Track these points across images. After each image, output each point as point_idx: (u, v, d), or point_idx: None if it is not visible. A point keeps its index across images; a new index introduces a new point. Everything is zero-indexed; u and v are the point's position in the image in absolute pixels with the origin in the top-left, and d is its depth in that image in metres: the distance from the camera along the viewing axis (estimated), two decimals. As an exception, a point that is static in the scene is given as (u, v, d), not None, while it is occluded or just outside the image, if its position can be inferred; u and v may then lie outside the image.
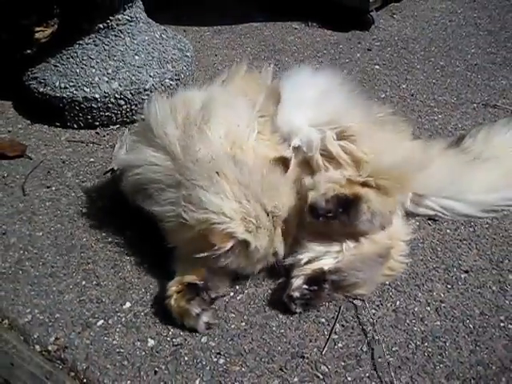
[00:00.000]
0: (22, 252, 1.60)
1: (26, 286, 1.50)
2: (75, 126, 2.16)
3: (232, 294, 1.45)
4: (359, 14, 2.89)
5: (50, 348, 1.34)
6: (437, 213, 1.65)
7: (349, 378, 1.24)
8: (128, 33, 2.21)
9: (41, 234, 1.67)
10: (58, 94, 2.12)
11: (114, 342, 1.34)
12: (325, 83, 1.61)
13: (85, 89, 2.11)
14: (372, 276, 1.41)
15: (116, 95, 2.11)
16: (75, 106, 2.12)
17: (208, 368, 1.28)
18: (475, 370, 1.24)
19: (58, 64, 2.19)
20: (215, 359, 1.29)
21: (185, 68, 2.30)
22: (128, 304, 1.44)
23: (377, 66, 2.56)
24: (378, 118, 1.61)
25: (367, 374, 1.25)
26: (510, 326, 1.34)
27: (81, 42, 2.18)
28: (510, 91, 2.30)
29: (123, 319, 1.40)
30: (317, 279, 1.37)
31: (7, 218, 1.72)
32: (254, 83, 1.66)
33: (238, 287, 1.45)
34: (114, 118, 2.16)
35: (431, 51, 2.67)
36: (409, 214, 1.63)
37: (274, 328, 1.36)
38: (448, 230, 1.63)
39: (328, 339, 1.32)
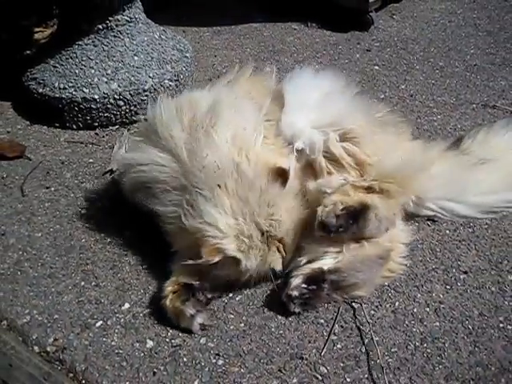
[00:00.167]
0: (20, 253, 1.60)
1: (25, 286, 1.50)
2: (74, 126, 2.16)
3: (231, 294, 1.44)
4: (358, 15, 2.89)
5: (48, 349, 1.33)
6: (436, 214, 1.65)
7: (348, 379, 1.24)
8: (127, 33, 2.21)
9: (40, 234, 1.67)
10: (57, 95, 2.12)
11: (113, 343, 1.34)
12: (327, 85, 1.61)
13: (84, 89, 2.11)
14: (371, 277, 1.40)
15: (115, 96, 2.11)
16: (74, 106, 2.12)
17: (207, 369, 1.27)
18: (474, 371, 1.24)
19: (57, 65, 2.19)
20: (214, 360, 1.29)
21: (184, 69, 2.30)
22: (127, 305, 1.43)
23: (376, 67, 2.56)
24: (380, 119, 1.61)
25: (366, 375, 1.24)
26: (509, 326, 1.34)
27: (80, 42, 2.18)
28: (509, 92, 2.30)
29: (122, 320, 1.40)
30: (316, 279, 1.37)
31: (6, 219, 1.72)
32: (260, 85, 1.65)
33: (236, 288, 1.45)
34: (113, 119, 2.16)
35: (430, 52, 2.67)
36: (408, 215, 1.62)
37: (272, 329, 1.36)
38: (447, 231, 1.62)
39: (327, 340, 1.32)
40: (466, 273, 1.49)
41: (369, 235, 1.42)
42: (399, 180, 1.47)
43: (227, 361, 1.29)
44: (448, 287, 1.45)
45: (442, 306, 1.40)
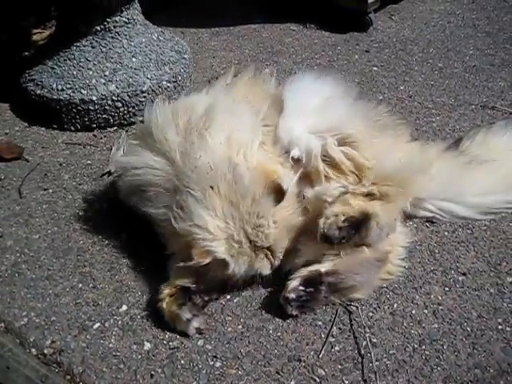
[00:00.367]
0: (18, 255, 1.60)
1: (23, 288, 1.49)
2: (72, 128, 2.16)
3: (229, 296, 1.44)
4: (357, 16, 2.88)
5: (45, 351, 1.33)
6: (435, 215, 1.65)
7: (346, 382, 1.24)
8: (125, 35, 2.21)
9: (37, 236, 1.66)
10: (55, 96, 2.12)
11: (110, 345, 1.34)
12: (327, 90, 1.61)
13: (82, 91, 2.11)
14: (369, 279, 1.40)
15: (113, 97, 2.11)
16: (72, 108, 2.12)
17: (204, 371, 1.27)
18: (473, 373, 1.24)
19: (55, 66, 2.19)
20: (212, 362, 1.29)
21: (182, 70, 2.30)
22: (124, 307, 1.43)
23: (375, 68, 2.55)
24: (378, 122, 1.61)
25: (364, 378, 1.24)
26: (507, 328, 1.33)
27: (78, 44, 2.18)
28: (508, 93, 2.29)
29: (119, 322, 1.39)
30: (313, 281, 1.37)
31: (4, 221, 1.72)
32: (259, 89, 1.65)
33: (234, 290, 1.44)
34: (111, 121, 2.15)
35: (429, 53, 2.67)
36: (407, 217, 1.62)
37: (270, 331, 1.35)
38: (446, 233, 1.62)
39: (325, 342, 1.32)
40: (464, 274, 1.48)
41: (370, 243, 1.42)
42: (398, 182, 1.47)
43: (225, 363, 1.28)
44: (447, 289, 1.44)
45: (441, 307, 1.39)
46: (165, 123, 1.48)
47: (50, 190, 1.85)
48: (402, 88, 2.38)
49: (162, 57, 2.28)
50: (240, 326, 1.37)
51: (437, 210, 1.63)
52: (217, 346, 1.32)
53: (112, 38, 2.19)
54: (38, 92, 2.16)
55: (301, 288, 1.36)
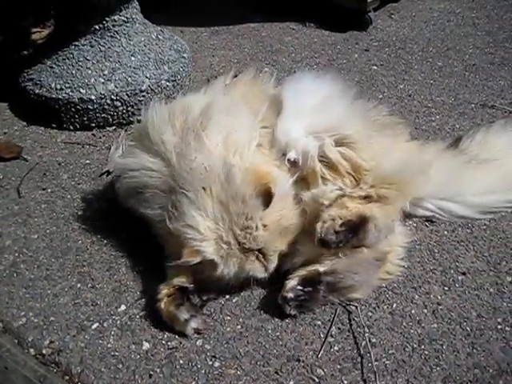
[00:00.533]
0: (16, 254, 1.60)
1: (21, 288, 1.49)
2: (71, 127, 2.16)
3: (227, 296, 1.44)
4: (357, 15, 2.88)
5: (44, 351, 1.33)
6: (434, 214, 1.64)
7: (345, 382, 1.23)
8: (124, 34, 2.21)
9: (36, 236, 1.66)
10: (54, 96, 2.12)
11: (109, 345, 1.33)
12: (326, 90, 1.59)
13: (81, 90, 2.11)
14: (368, 279, 1.40)
15: (112, 96, 2.11)
16: (71, 107, 2.11)
17: (203, 371, 1.27)
18: (472, 373, 1.24)
19: (53, 65, 2.18)
20: (210, 362, 1.29)
21: (181, 69, 2.30)
22: (123, 307, 1.43)
23: (374, 67, 2.55)
24: (377, 121, 1.60)
25: (363, 378, 1.24)
26: (507, 328, 1.33)
27: (77, 43, 2.17)
28: (507, 91, 2.29)
29: (118, 322, 1.39)
30: (311, 280, 1.37)
31: (2, 221, 1.72)
32: (257, 89, 1.63)
33: (233, 290, 1.44)
34: (110, 120, 2.15)
35: (429, 51, 2.67)
36: (406, 216, 1.62)
37: (269, 331, 1.35)
38: (445, 232, 1.62)
39: (324, 342, 1.31)
40: (464, 274, 1.48)
41: (368, 245, 1.41)
42: (397, 185, 1.46)
43: (223, 363, 1.28)
44: (446, 288, 1.44)
45: (440, 307, 1.39)
46: (161, 124, 1.46)
47: (49, 190, 1.85)
48: (401, 87, 2.37)
49: (161, 56, 2.27)
50: (239, 326, 1.37)
51: (436, 209, 1.63)
52: (216, 346, 1.32)
53: (111, 37, 2.19)
54: (37, 91, 2.15)
55: (299, 287, 1.36)
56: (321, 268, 1.38)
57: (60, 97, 2.11)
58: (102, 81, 2.12)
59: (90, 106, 2.11)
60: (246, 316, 1.39)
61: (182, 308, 1.34)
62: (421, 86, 2.37)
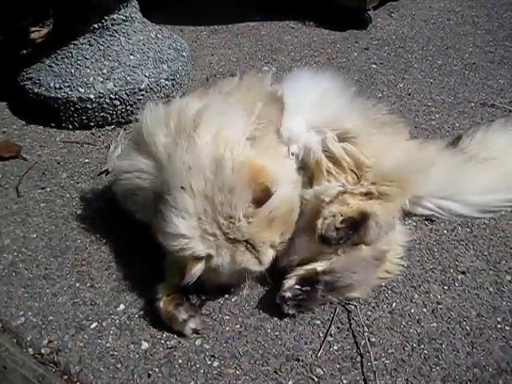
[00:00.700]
0: (15, 254, 1.59)
1: (20, 288, 1.49)
2: (70, 126, 2.15)
3: (226, 296, 1.43)
4: (357, 13, 2.88)
5: (43, 351, 1.33)
6: (434, 213, 1.64)
7: (344, 381, 1.23)
8: (123, 32, 2.20)
9: (35, 235, 1.66)
10: (53, 95, 2.11)
11: (108, 345, 1.33)
12: (325, 86, 1.59)
13: (80, 89, 2.10)
14: (367, 278, 1.39)
15: (111, 95, 2.10)
16: (70, 106, 2.11)
17: (202, 371, 1.26)
18: (472, 373, 1.23)
19: (52, 64, 2.18)
20: (209, 362, 1.28)
21: (181, 68, 2.29)
22: (122, 306, 1.42)
23: (374, 65, 2.55)
24: (377, 120, 1.60)
25: (363, 377, 1.23)
26: (506, 327, 1.33)
27: (76, 42, 2.17)
28: (507, 90, 2.28)
29: (117, 321, 1.39)
30: (309, 279, 1.36)
31: (1, 220, 1.71)
32: (254, 90, 1.61)
33: (232, 289, 1.44)
34: (109, 119, 2.15)
35: (429, 50, 2.66)
36: (406, 215, 1.62)
37: (268, 330, 1.35)
38: (445, 231, 1.61)
39: (323, 341, 1.31)
40: (463, 273, 1.48)
41: (369, 242, 1.41)
42: (398, 182, 1.46)
43: (222, 362, 1.28)
44: (446, 288, 1.44)
45: (440, 306, 1.39)
46: (155, 125, 1.44)
47: (48, 189, 1.84)
48: (401, 85, 2.37)
49: (160, 55, 2.27)
50: (238, 326, 1.36)
51: (435, 207, 1.63)
52: (215, 346, 1.32)
53: (110, 35, 2.18)
54: (36, 90, 2.15)
55: (297, 287, 1.35)
56: (319, 267, 1.38)
57: (59, 96, 2.11)
58: (101, 80, 2.12)
59: (88, 105, 2.10)
60: (245, 315, 1.39)
61: (180, 308, 1.34)
62: (420, 85, 2.36)
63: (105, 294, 1.46)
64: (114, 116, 2.14)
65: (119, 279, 1.50)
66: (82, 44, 2.17)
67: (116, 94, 2.10)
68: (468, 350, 1.28)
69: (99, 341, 1.34)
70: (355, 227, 1.37)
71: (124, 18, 2.19)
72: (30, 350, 1.33)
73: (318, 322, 1.36)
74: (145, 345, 1.33)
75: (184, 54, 2.37)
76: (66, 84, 2.12)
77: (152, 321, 1.38)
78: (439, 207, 1.63)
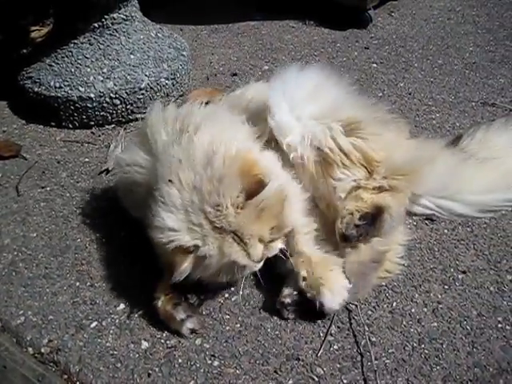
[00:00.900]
0: (15, 253, 1.59)
1: (20, 287, 1.49)
2: (70, 125, 2.15)
3: (227, 295, 1.43)
4: (357, 13, 2.87)
5: (42, 350, 1.32)
6: (434, 212, 1.64)
7: (344, 381, 1.23)
8: (123, 32, 2.20)
9: (35, 234, 1.66)
10: (53, 94, 2.11)
11: (108, 344, 1.33)
12: (317, 78, 1.57)
13: (80, 88, 2.10)
14: (365, 283, 1.39)
15: (111, 95, 2.10)
16: (70, 105, 2.11)
17: (202, 370, 1.26)
18: (472, 372, 1.23)
19: (52, 63, 2.18)
20: (209, 361, 1.28)
21: (181, 67, 2.29)
22: (122, 305, 1.42)
23: (374, 65, 2.54)
24: (377, 119, 1.59)
25: (363, 377, 1.23)
26: (507, 327, 1.32)
27: (76, 41, 2.17)
28: (508, 90, 2.28)
29: (117, 321, 1.38)
30: None
31: (1, 219, 1.71)
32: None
33: (232, 289, 1.44)
34: (110, 118, 2.14)
35: (429, 49, 2.66)
36: (406, 214, 1.61)
37: (268, 330, 1.34)
38: (445, 230, 1.61)
39: (323, 341, 1.31)
40: (464, 272, 1.47)
41: (384, 234, 1.42)
42: (408, 175, 1.48)
43: (222, 362, 1.28)
44: (446, 287, 1.43)
45: (440, 306, 1.38)
46: (160, 124, 1.45)
47: (48, 188, 1.84)
48: (401, 85, 2.36)
49: (161, 54, 2.27)
50: (238, 325, 1.36)
51: (435, 206, 1.62)
52: (215, 345, 1.32)
53: (110, 35, 2.18)
54: (36, 89, 2.15)
55: (295, 293, 1.35)
56: None
57: (59, 95, 2.11)
58: (101, 79, 2.12)
59: (89, 104, 2.10)
60: (245, 315, 1.38)
61: (179, 308, 1.34)
62: (421, 84, 2.36)
63: (105, 293, 1.46)
64: (114, 115, 2.14)
65: (119, 278, 1.50)
66: (82, 43, 2.17)
67: (116, 93, 2.10)
68: (469, 350, 1.28)
69: (99, 340, 1.34)
70: (372, 222, 1.39)
71: (124, 17, 2.19)
72: (30, 349, 1.33)
73: (319, 321, 1.36)
74: (145, 344, 1.33)
75: (184, 53, 2.37)
76: (66, 83, 2.11)
77: (152, 320, 1.37)
78: (439, 207, 1.63)
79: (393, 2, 3.15)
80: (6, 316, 1.41)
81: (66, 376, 1.27)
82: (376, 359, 1.26)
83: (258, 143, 1.45)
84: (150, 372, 1.26)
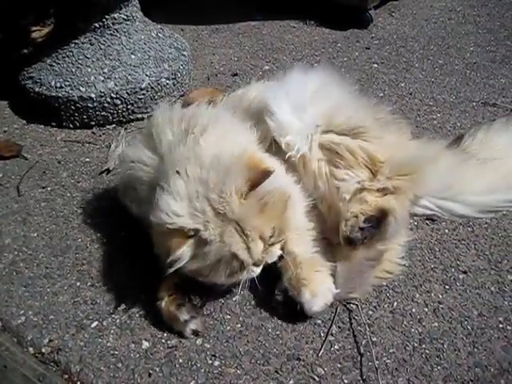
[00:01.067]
0: (16, 253, 1.59)
1: (20, 287, 1.49)
2: (71, 125, 2.15)
3: (227, 295, 1.43)
4: (358, 13, 2.87)
5: (43, 350, 1.32)
6: (435, 212, 1.63)
7: (345, 381, 1.23)
8: (124, 32, 2.20)
9: (35, 234, 1.66)
10: (54, 94, 2.11)
11: (108, 344, 1.33)
12: (320, 80, 1.57)
13: (80, 88, 2.10)
14: (364, 281, 1.39)
15: (112, 95, 2.10)
16: (71, 105, 2.11)
17: (203, 370, 1.26)
18: (473, 372, 1.23)
19: (53, 63, 2.18)
20: (210, 361, 1.28)
21: (181, 67, 2.29)
22: (122, 305, 1.42)
23: (375, 65, 2.54)
24: (380, 120, 1.60)
25: (364, 377, 1.23)
26: (508, 327, 1.32)
27: (76, 41, 2.17)
28: (509, 90, 2.28)
29: (117, 321, 1.38)
30: None
31: (2, 219, 1.71)
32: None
33: (233, 289, 1.43)
34: (110, 118, 2.14)
35: (430, 49, 2.66)
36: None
37: (269, 330, 1.34)
38: (446, 230, 1.61)
39: (324, 341, 1.31)
40: (465, 272, 1.47)
41: (388, 238, 1.42)
42: (411, 175, 1.47)
43: (223, 362, 1.28)
44: (447, 287, 1.43)
45: (441, 306, 1.38)
46: (167, 124, 1.45)
47: (49, 188, 1.84)
48: (402, 85, 2.36)
49: (161, 54, 2.27)
50: (239, 325, 1.36)
51: (435, 207, 1.62)
52: (215, 345, 1.31)
53: (111, 35, 2.18)
54: (37, 89, 2.15)
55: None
56: None
57: (60, 95, 2.11)
58: (102, 79, 2.12)
59: (89, 104, 2.10)
60: (246, 315, 1.38)
61: (182, 309, 1.34)
62: (422, 84, 2.36)
63: (105, 293, 1.46)
64: (115, 115, 2.14)
65: (120, 278, 1.50)
66: (82, 43, 2.17)
67: (117, 93, 2.10)
68: (469, 350, 1.28)
69: (100, 340, 1.34)
70: (377, 225, 1.39)
71: (125, 17, 2.19)
72: (31, 349, 1.33)
73: (319, 321, 1.36)
74: (145, 344, 1.33)
75: (185, 53, 2.37)
76: (67, 83, 2.11)
77: (153, 320, 1.37)
78: (440, 207, 1.63)
79: (393, 2, 3.15)
80: (6, 316, 1.41)
81: (66, 376, 1.27)
82: (377, 359, 1.26)
83: (262, 148, 1.46)
84: (151, 372, 1.26)
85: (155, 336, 1.34)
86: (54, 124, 2.16)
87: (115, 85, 2.11)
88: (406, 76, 2.43)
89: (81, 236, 1.64)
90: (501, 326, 1.33)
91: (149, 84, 2.15)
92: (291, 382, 1.23)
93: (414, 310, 1.38)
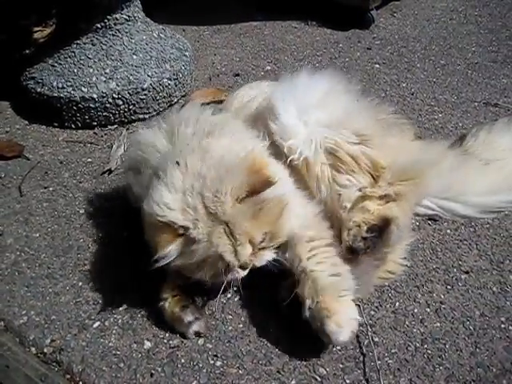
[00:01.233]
0: (18, 253, 1.59)
1: (22, 287, 1.49)
2: (73, 126, 2.15)
3: (229, 295, 1.43)
4: (359, 13, 2.87)
5: (45, 350, 1.33)
6: (437, 213, 1.63)
7: (347, 381, 1.23)
8: (126, 32, 2.20)
9: (37, 235, 1.66)
10: (56, 94, 2.11)
11: (110, 344, 1.33)
12: (328, 85, 1.58)
13: (82, 88, 2.10)
14: (367, 280, 1.38)
15: (114, 95, 2.10)
16: (73, 105, 2.11)
17: (205, 370, 1.26)
18: (475, 373, 1.23)
19: (55, 64, 2.18)
20: (212, 361, 1.28)
21: (183, 67, 2.29)
22: (124, 305, 1.42)
23: (377, 65, 2.54)
24: (383, 121, 1.59)
25: (366, 377, 1.23)
26: (510, 327, 1.32)
27: (78, 41, 2.17)
28: (511, 90, 2.28)
29: (119, 321, 1.39)
30: None
31: (4, 219, 1.71)
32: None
33: (235, 288, 1.43)
34: (112, 118, 2.14)
35: (432, 50, 2.66)
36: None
37: (271, 330, 1.34)
38: (448, 231, 1.61)
39: (326, 341, 1.31)
40: (467, 273, 1.47)
41: (391, 245, 1.42)
42: (413, 179, 1.47)
43: (225, 362, 1.28)
44: (449, 287, 1.43)
45: (443, 306, 1.38)
46: (187, 120, 1.46)
47: (51, 188, 1.85)
48: (404, 85, 2.36)
49: (163, 54, 2.27)
50: (241, 325, 1.36)
51: (438, 208, 1.62)
52: (217, 345, 1.32)
53: (112, 35, 2.18)
54: (39, 90, 2.15)
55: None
56: None
57: (62, 95, 2.11)
58: (104, 79, 2.12)
59: (91, 105, 2.10)
60: (248, 315, 1.38)
61: (187, 310, 1.34)
62: (423, 85, 2.36)
63: (107, 293, 1.46)
64: (117, 115, 2.14)
65: (122, 279, 1.49)
66: (84, 43, 2.17)
67: (119, 94, 2.10)
68: (471, 350, 1.28)
69: (102, 340, 1.34)
70: (380, 234, 1.38)
71: (127, 18, 2.19)
72: (33, 349, 1.33)
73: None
74: (147, 344, 1.33)
75: (187, 53, 2.37)
76: (69, 83, 2.12)
77: (155, 320, 1.37)
78: (442, 208, 1.63)
79: (395, 3, 3.15)
80: (8, 316, 1.41)
81: (68, 376, 1.27)
82: (379, 359, 1.26)
83: (267, 153, 1.45)
84: (153, 372, 1.26)
85: (157, 336, 1.34)
86: (55, 124, 2.17)
87: (117, 85, 2.11)
88: (408, 76, 2.43)
89: (83, 236, 1.65)
90: (503, 326, 1.33)
91: (151, 84, 2.15)
92: (293, 382, 1.23)
93: (415, 311, 1.37)
